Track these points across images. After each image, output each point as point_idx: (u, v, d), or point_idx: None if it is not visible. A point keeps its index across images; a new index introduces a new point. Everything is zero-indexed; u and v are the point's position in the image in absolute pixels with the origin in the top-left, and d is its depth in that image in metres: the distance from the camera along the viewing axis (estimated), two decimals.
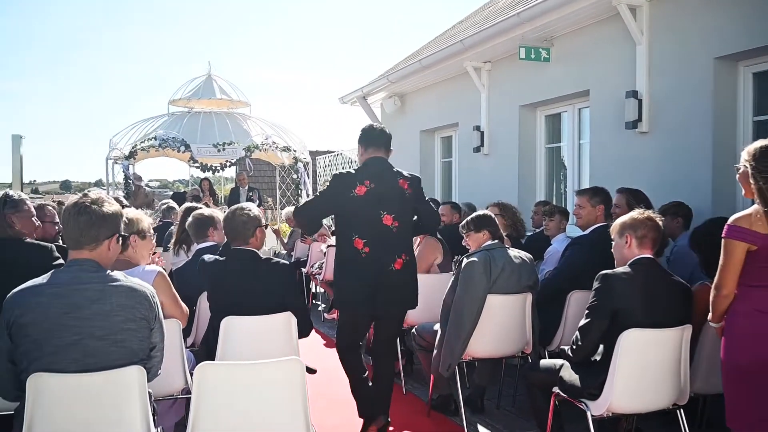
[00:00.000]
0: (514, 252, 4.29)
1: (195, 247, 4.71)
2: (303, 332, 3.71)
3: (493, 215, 4.46)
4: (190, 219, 4.74)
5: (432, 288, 5.19)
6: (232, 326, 3.53)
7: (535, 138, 7.93)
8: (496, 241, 4.31)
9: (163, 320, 2.67)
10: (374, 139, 4.17)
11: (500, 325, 4.20)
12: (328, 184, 4.13)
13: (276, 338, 3.61)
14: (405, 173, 4.17)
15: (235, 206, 3.85)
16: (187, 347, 3.85)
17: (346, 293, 4.01)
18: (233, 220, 3.75)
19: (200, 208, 5.12)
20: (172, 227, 6.50)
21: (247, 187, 12.97)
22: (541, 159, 7.92)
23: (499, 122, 8.20)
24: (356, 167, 4.16)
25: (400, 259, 3.99)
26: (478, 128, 8.48)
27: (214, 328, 3.59)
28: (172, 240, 5.49)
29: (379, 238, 3.95)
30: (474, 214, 4.47)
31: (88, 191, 2.64)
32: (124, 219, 3.38)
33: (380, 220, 3.96)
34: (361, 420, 4.19)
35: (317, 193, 4.27)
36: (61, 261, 3.42)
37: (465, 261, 4.19)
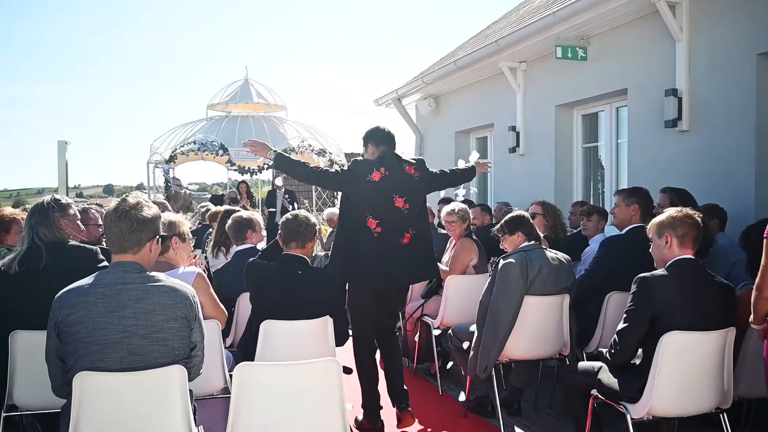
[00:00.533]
0: (551, 253, 4.25)
1: (234, 249, 4.78)
2: (339, 341, 3.77)
3: (526, 215, 4.41)
4: (229, 221, 4.81)
5: (468, 289, 5.17)
6: (272, 329, 3.58)
7: (572, 138, 7.84)
8: (532, 242, 4.28)
9: (203, 320, 2.72)
10: (385, 137, 4.54)
11: (537, 327, 4.17)
12: (346, 167, 4.54)
13: (313, 341, 3.65)
14: (410, 159, 4.55)
15: (296, 211, 3.99)
16: (225, 347, 3.91)
17: (358, 268, 4.30)
18: (295, 222, 3.83)
19: (238, 210, 5.19)
20: (211, 230, 6.61)
21: (283, 190, 13.08)
22: (578, 159, 7.83)
23: (535, 122, 8.13)
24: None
25: (408, 234, 4.35)
26: (513, 128, 8.43)
27: (253, 330, 3.64)
28: (211, 242, 5.58)
29: (391, 218, 4.32)
30: (507, 217, 4.44)
31: (127, 195, 2.67)
32: (164, 221, 3.47)
33: (392, 203, 4.35)
34: (364, 410, 4.40)
35: (334, 170, 4.53)
36: (105, 263, 3.51)
37: (501, 262, 4.17)
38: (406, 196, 4.39)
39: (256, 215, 4.92)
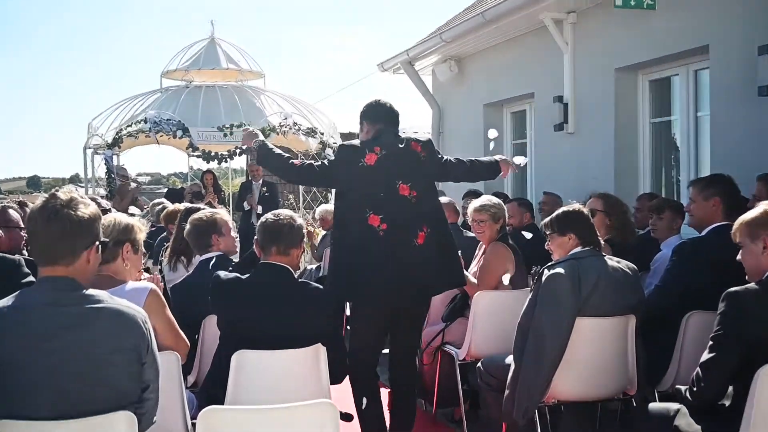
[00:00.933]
0: (612, 261, 4.23)
1: (197, 258, 4.77)
2: (336, 376, 3.78)
3: (586, 213, 4.38)
4: (187, 226, 4.81)
5: (502, 309, 5.15)
6: (247, 362, 3.57)
7: (637, 111, 7.83)
8: (588, 248, 4.25)
9: (158, 353, 2.70)
10: (382, 114, 4.65)
11: (594, 358, 4.15)
12: (332, 156, 4.51)
13: (301, 377, 3.65)
14: (417, 137, 4.68)
15: (277, 210, 4.00)
16: (187, 387, 3.89)
17: (362, 284, 4.36)
18: (275, 223, 3.84)
19: (202, 209, 5.19)
20: (165, 234, 6.61)
21: (261, 181, 13.08)
22: (645, 138, 7.81)
23: (589, 91, 8.12)
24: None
25: (422, 233, 4.43)
26: (560, 99, 8.42)
27: (222, 364, 3.63)
28: (167, 250, 5.58)
29: (397, 211, 4.40)
30: (559, 211, 4.41)
31: (57, 190, 2.67)
32: (117, 223, 3.48)
33: (396, 191, 4.43)
34: None
35: (318, 162, 4.69)
36: (31, 278, 3.51)
37: (546, 273, 4.15)
38: (411, 182, 4.47)
39: (222, 213, 4.92)
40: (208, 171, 14.05)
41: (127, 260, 3.57)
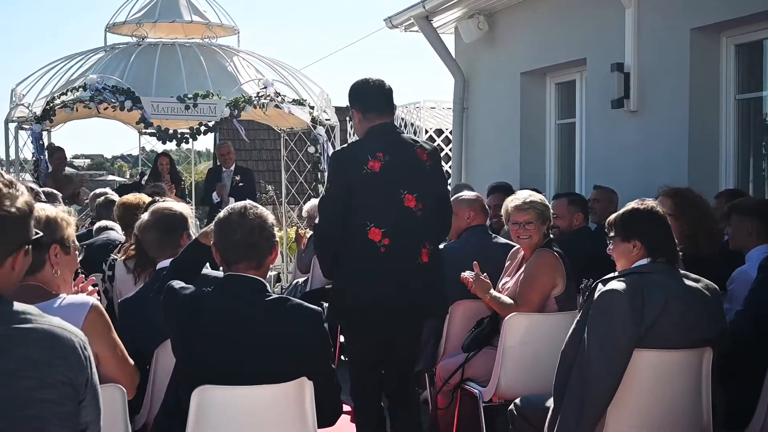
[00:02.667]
0: (689, 280, 4.22)
1: (162, 263, 4.73)
2: (327, 416, 3.80)
3: (661, 213, 4.34)
4: (146, 217, 4.77)
5: (540, 336, 5.17)
6: (211, 401, 3.57)
7: (719, 83, 7.82)
8: (661, 261, 4.23)
9: (99, 387, 2.72)
10: (373, 99, 5.06)
11: (656, 400, 4.17)
12: (329, 168, 5.05)
13: (280, 420, 3.66)
14: (421, 142, 5.17)
15: (238, 204, 3.84)
16: (135, 431, 3.91)
17: (362, 307, 4.80)
18: (240, 226, 3.72)
19: (163, 201, 5.19)
20: (107, 232, 6.58)
21: (233, 167, 13.04)
22: (730, 119, 7.81)
23: (657, 58, 8.12)
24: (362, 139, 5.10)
25: (426, 250, 4.94)
26: (619, 68, 8.42)
27: (178, 402, 3.65)
28: (120, 256, 5.58)
29: (401, 225, 4.87)
30: (627, 207, 4.38)
31: None
32: (39, 217, 3.47)
33: (401, 202, 4.89)
34: None
35: (324, 191, 5.17)
36: None
37: (600, 288, 4.14)
38: (417, 192, 4.93)
39: (184, 207, 4.91)
40: (164, 154, 14.01)
41: (56, 265, 3.57)
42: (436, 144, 15.31)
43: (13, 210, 2.57)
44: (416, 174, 4.97)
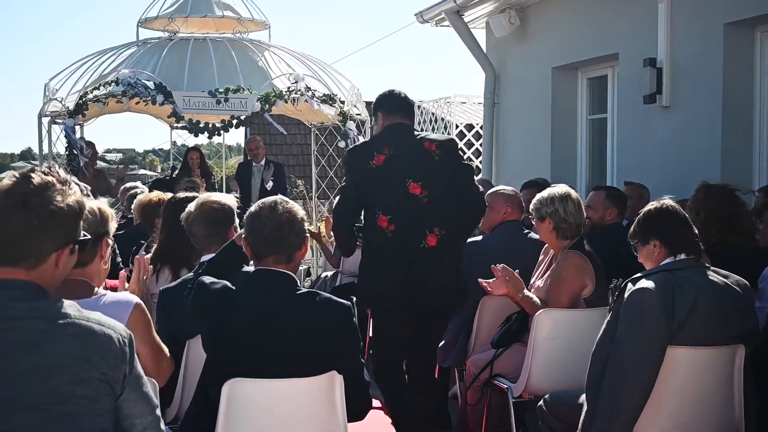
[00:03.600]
0: (718, 276, 4.20)
1: (207, 256, 4.72)
2: (356, 410, 3.80)
3: (673, 209, 4.31)
4: (195, 211, 4.75)
5: (571, 332, 5.15)
6: (241, 394, 3.59)
7: (753, 79, 7.77)
8: (683, 257, 4.22)
9: (145, 379, 2.72)
10: (397, 105, 5.55)
11: (689, 398, 4.16)
12: (344, 165, 5.82)
13: (310, 413, 3.68)
14: (432, 135, 5.57)
15: (269, 199, 3.87)
16: (167, 424, 3.93)
17: (374, 288, 5.27)
18: (270, 221, 3.75)
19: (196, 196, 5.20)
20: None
21: (263, 162, 13.06)
22: (764, 114, 7.76)
23: (690, 53, 8.07)
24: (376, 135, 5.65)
25: (432, 235, 5.28)
26: (652, 63, 8.37)
27: (209, 396, 3.67)
28: (149, 251, 5.62)
29: (406, 211, 5.28)
30: (642, 212, 4.39)
31: (29, 170, 2.62)
32: (92, 213, 3.52)
33: (406, 189, 5.30)
34: None
35: (342, 188, 5.67)
36: None
37: (630, 287, 4.13)
38: (422, 180, 5.31)
39: (231, 200, 4.91)
40: (194, 148, 14.02)
41: (105, 256, 3.63)
42: (466, 139, 15.34)
43: (63, 206, 2.60)
44: (422, 163, 5.36)
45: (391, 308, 5.31)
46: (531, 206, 5.57)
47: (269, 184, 12.37)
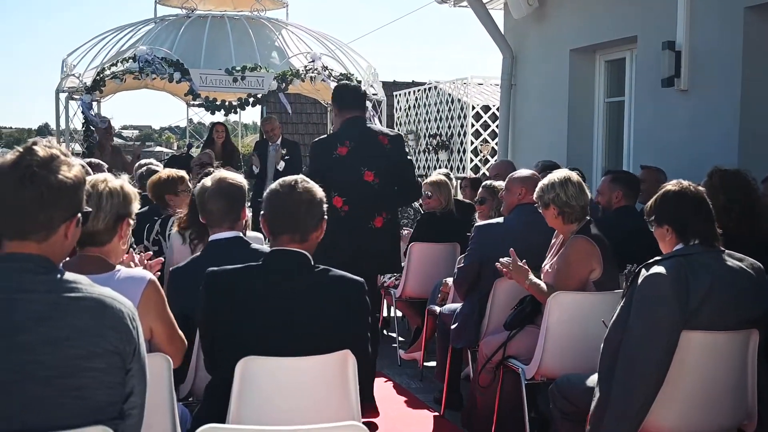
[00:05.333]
0: (732, 260, 4.18)
1: (216, 235, 4.72)
2: (366, 391, 3.81)
3: (690, 192, 4.26)
4: (211, 186, 4.74)
5: (584, 315, 5.15)
6: (256, 371, 3.60)
7: None
8: (696, 243, 4.19)
9: (147, 358, 2.74)
10: (348, 99, 6.41)
11: (703, 383, 4.15)
12: (309, 153, 6.53)
13: (323, 391, 3.69)
14: (385, 130, 6.58)
15: (290, 177, 3.87)
16: (179, 400, 3.95)
17: (323, 256, 5.61)
18: (289, 198, 3.77)
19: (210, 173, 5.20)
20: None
21: (279, 141, 13.03)
22: None
23: (709, 36, 8.03)
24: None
25: (380, 218, 6.19)
26: (670, 46, 8.33)
27: (224, 372, 3.68)
28: (173, 228, 5.65)
29: (359, 195, 6.14)
30: (659, 192, 4.36)
31: (33, 144, 2.62)
32: (112, 188, 3.53)
33: (361, 177, 6.16)
34: None
35: (307, 172, 6.24)
36: None
37: (644, 273, 4.12)
38: (375, 170, 6.18)
39: (243, 179, 4.91)
40: (220, 122, 13.92)
41: (125, 236, 3.65)
42: (482, 121, 15.31)
43: (70, 177, 2.62)
44: (376, 155, 6.23)
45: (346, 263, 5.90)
46: (534, 195, 5.54)
47: (281, 165, 12.34)
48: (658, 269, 4.09)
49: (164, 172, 6.69)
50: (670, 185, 4.37)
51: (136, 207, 3.73)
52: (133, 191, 3.72)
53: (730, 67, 7.78)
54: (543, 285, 5.38)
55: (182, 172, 6.66)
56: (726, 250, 4.25)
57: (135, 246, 5.85)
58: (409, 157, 6.67)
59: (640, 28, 9.01)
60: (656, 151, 8.59)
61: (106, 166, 7.91)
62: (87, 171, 4.66)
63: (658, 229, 4.29)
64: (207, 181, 4.75)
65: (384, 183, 6.22)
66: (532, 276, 5.38)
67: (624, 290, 4.36)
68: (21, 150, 2.61)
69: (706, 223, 4.25)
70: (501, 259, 5.45)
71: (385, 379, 7.49)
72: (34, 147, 2.60)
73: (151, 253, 4.73)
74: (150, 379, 2.80)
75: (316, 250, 5.55)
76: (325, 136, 6.70)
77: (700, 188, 4.36)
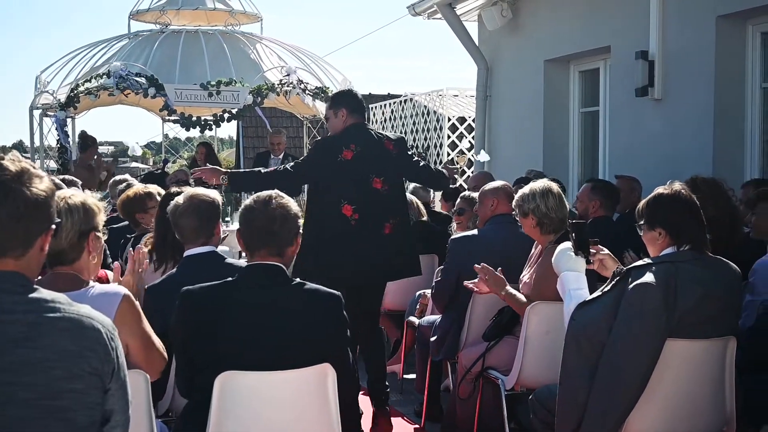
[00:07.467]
0: (720, 269, 4.17)
1: (191, 251, 4.72)
2: (343, 399, 3.81)
3: (685, 196, 4.21)
4: (184, 203, 4.73)
5: (561, 326, 5.11)
6: (233, 386, 3.59)
7: (745, 71, 7.78)
8: (687, 247, 4.21)
9: (128, 377, 2.72)
10: (357, 105, 6.33)
11: (683, 389, 4.16)
12: (308, 152, 6.56)
13: (302, 405, 3.69)
14: (389, 135, 6.44)
15: (265, 193, 3.88)
16: (158, 417, 3.93)
17: (333, 265, 5.92)
18: (264, 215, 3.77)
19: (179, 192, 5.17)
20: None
21: (282, 155, 12.87)
22: (755, 108, 7.77)
23: (682, 45, 8.08)
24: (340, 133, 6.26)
25: (388, 224, 6.13)
26: (644, 56, 8.38)
27: (202, 389, 3.67)
28: (144, 244, 5.60)
29: (369, 202, 6.06)
30: (652, 194, 4.34)
31: (1, 158, 2.58)
32: (72, 203, 3.49)
33: (369, 184, 6.10)
34: None
35: (292, 164, 6.44)
36: None
37: (633, 280, 4.10)
38: (384, 176, 6.14)
39: (217, 195, 4.89)
40: (202, 144, 14.05)
41: (93, 251, 3.60)
42: (458, 132, 15.32)
43: (44, 189, 2.58)
44: (383, 161, 6.16)
45: (342, 278, 5.67)
46: (513, 203, 5.54)
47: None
48: (648, 279, 4.04)
49: (131, 190, 6.59)
50: (662, 188, 4.33)
51: (101, 219, 3.65)
52: (96, 204, 3.65)
53: (704, 76, 7.83)
54: (519, 295, 5.37)
55: (150, 188, 6.58)
56: (714, 256, 4.24)
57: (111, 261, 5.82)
58: (415, 158, 6.62)
59: (613, 38, 9.07)
60: (632, 160, 8.63)
61: (80, 182, 7.87)
62: (55, 183, 4.65)
63: (649, 232, 4.25)
64: (179, 199, 4.74)
65: (392, 188, 6.21)
66: (508, 287, 5.38)
67: (605, 286, 4.30)
68: None
69: (699, 228, 4.24)
70: (475, 273, 5.45)
71: (364, 392, 7.47)
72: (3, 162, 2.55)
73: (118, 265, 4.69)
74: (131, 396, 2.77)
75: (325, 261, 5.92)
76: (328, 137, 6.56)
77: (689, 193, 4.34)
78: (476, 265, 5.39)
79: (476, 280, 5.45)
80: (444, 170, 6.91)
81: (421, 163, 6.63)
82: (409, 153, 6.52)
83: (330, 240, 6.01)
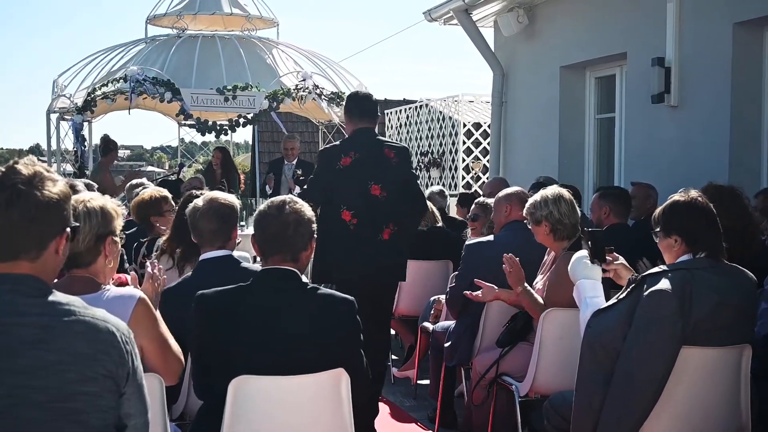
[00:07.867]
0: (733, 274, 4.15)
1: (207, 255, 4.72)
2: (357, 403, 3.82)
3: (702, 203, 4.21)
4: (203, 206, 4.74)
5: (576, 332, 5.11)
6: (247, 390, 3.60)
7: (762, 79, 7.76)
8: (702, 256, 4.19)
9: (144, 381, 2.72)
10: (366, 108, 6.47)
11: (698, 397, 4.14)
12: (316, 161, 6.68)
13: (316, 410, 3.70)
14: (392, 143, 6.64)
15: (279, 198, 3.90)
16: (172, 421, 3.94)
17: (334, 267, 6.19)
18: (277, 221, 3.79)
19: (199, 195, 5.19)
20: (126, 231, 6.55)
21: (296, 161, 12.89)
22: None
23: (699, 53, 8.05)
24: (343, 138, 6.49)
25: (387, 229, 6.25)
26: (660, 62, 8.36)
27: (216, 393, 3.68)
28: (158, 249, 5.61)
29: (367, 208, 6.21)
30: (668, 201, 4.33)
31: (15, 162, 2.61)
32: (91, 207, 3.50)
33: (368, 191, 6.23)
34: None
35: (311, 177, 6.70)
36: None
37: (649, 288, 4.09)
38: (382, 183, 6.25)
39: (235, 199, 4.91)
40: (217, 148, 14.10)
41: (110, 255, 3.62)
42: (473, 138, 15.32)
43: (56, 192, 2.60)
44: (382, 168, 6.29)
45: (353, 281, 5.92)
46: (524, 211, 5.51)
47: (297, 190, 12.29)
48: (664, 285, 4.02)
49: (146, 193, 6.60)
50: (678, 196, 4.31)
51: (119, 224, 3.69)
52: (115, 209, 3.68)
53: (720, 83, 7.81)
54: (537, 296, 5.36)
55: (165, 191, 6.60)
56: (730, 263, 4.22)
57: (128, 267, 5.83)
58: (413, 171, 6.78)
59: (629, 44, 9.05)
60: (647, 167, 8.61)
61: (96, 186, 7.90)
62: (72, 186, 4.67)
63: (665, 239, 4.24)
64: (199, 201, 4.76)
65: (390, 195, 6.28)
66: (525, 284, 5.37)
67: (619, 294, 4.29)
68: (4, 170, 2.59)
69: (716, 235, 4.21)
70: (490, 279, 5.46)
71: (379, 397, 7.48)
72: (17, 166, 2.58)
73: (135, 276, 4.72)
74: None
75: (325, 266, 6.12)
76: (332, 145, 6.81)
77: (705, 200, 4.32)
78: (505, 254, 5.38)
79: (478, 293, 5.53)
80: (428, 202, 7.30)
81: (414, 180, 6.79)
82: (411, 166, 6.69)
83: (332, 242, 6.10)
